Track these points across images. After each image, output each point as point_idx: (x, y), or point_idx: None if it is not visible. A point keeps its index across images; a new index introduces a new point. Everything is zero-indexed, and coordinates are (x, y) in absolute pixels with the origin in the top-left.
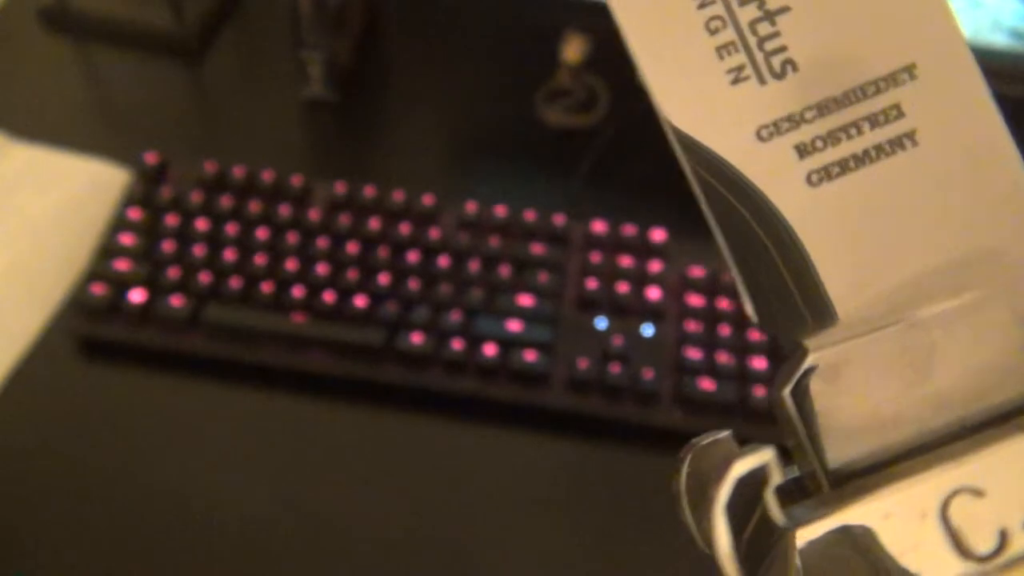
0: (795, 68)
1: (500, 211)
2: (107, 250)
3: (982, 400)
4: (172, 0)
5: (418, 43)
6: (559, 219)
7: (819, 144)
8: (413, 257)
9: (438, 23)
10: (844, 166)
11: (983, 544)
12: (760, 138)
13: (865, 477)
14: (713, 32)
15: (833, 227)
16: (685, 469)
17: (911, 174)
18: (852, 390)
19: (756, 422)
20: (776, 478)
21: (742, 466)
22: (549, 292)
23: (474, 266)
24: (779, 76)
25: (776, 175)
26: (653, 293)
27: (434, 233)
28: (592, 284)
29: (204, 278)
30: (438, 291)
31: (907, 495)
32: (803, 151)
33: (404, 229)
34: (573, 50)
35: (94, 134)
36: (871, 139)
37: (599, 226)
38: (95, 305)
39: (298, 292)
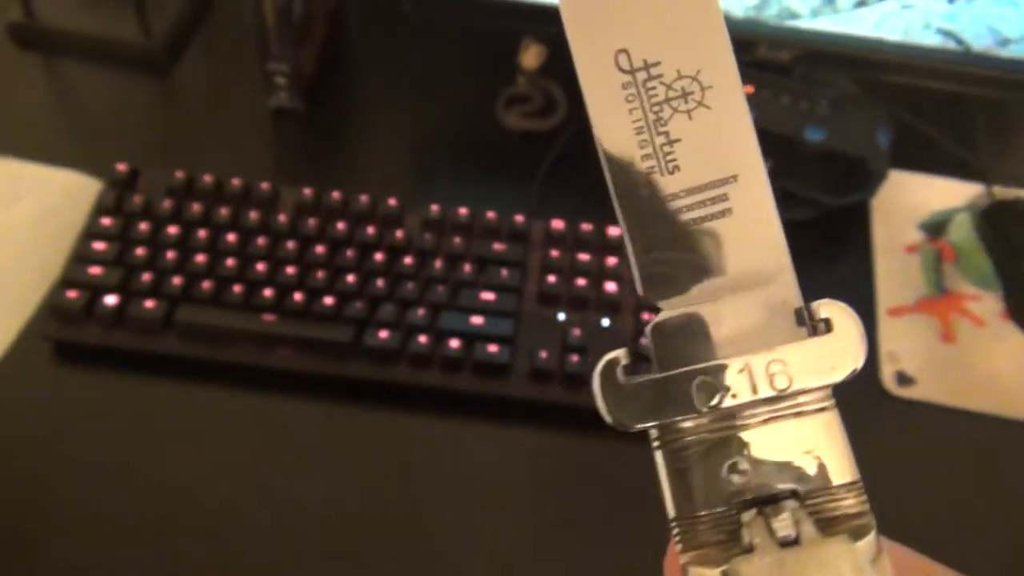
0: (680, 170)
1: (462, 212)
2: (80, 257)
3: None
4: (140, 15)
5: (380, 53)
6: (519, 218)
7: (686, 208)
8: (379, 257)
9: (399, 33)
10: (701, 221)
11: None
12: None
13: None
14: (642, 147)
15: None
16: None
17: (730, 229)
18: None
19: None
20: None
21: (609, 354)
22: (510, 288)
23: (438, 264)
24: (672, 173)
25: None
26: (610, 287)
27: (399, 234)
28: (552, 279)
29: (176, 281)
30: (404, 289)
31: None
32: (680, 211)
33: (370, 230)
34: (531, 57)
35: (66, 146)
36: (712, 209)
37: (558, 224)
38: (69, 310)
39: (268, 293)
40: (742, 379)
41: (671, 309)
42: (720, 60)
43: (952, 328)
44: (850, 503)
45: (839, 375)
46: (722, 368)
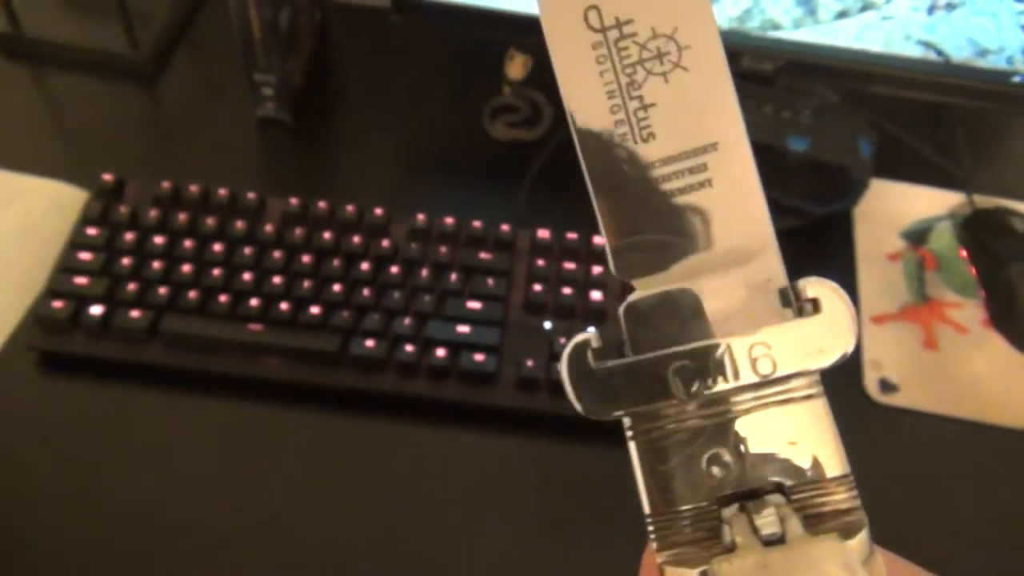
0: (655, 137)
1: (448, 221)
2: (66, 267)
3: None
4: (126, 25)
5: (367, 63)
6: (505, 227)
7: (662, 179)
8: (365, 266)
9: (386, 44)
10: (679, 193)
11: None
12: None
13: None
14: (614, 112)
15: None
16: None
17: (710, 202)
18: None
19: None
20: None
21: (578, 337)
22: (496, 297)
23: (424, 273)
24: (646, 141)
25: None
26: (596, 295)
27: (385, 243)
28: (538, 288)
29: (162, 291)
30: (390, 298)
31: None
32: (656, 183)
33: (356, 240)
34: (516, 67)
35: (52, 156)
36: (690, 181)
37: (543, 233)
38: (55, 319)
39: (254, 302)
40: (723, 364)
41: (645, 289)
42: (699, 18)
43: (935, 335)
44: (840, 498)
45: (827, 360)
46: (701, 351)
